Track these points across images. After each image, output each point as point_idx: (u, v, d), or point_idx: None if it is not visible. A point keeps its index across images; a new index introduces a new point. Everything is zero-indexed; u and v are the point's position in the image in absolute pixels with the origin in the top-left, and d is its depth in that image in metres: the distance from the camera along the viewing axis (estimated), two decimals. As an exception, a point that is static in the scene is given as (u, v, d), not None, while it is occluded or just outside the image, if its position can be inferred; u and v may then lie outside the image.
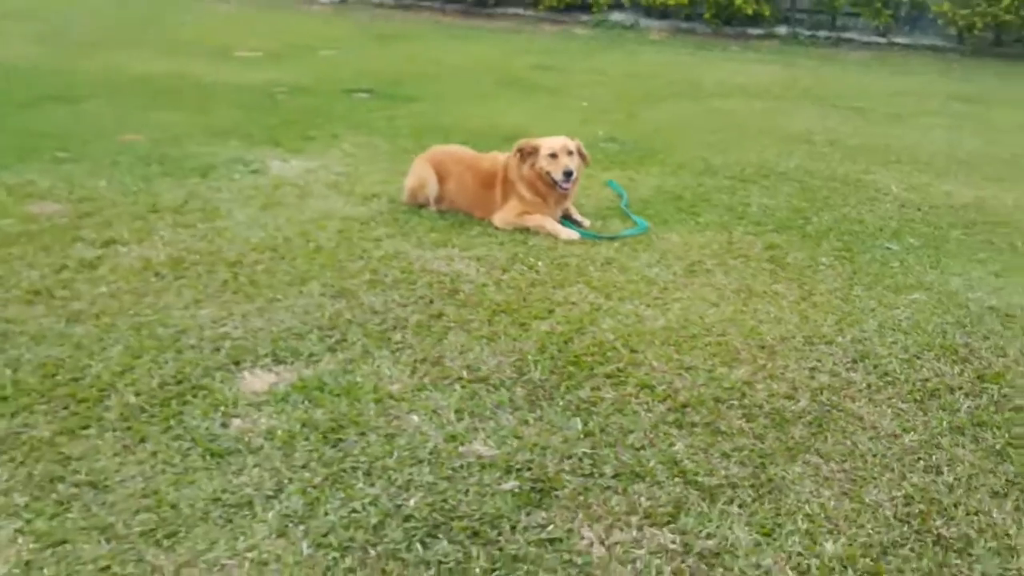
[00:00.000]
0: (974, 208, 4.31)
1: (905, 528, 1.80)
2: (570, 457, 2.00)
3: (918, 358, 2.59)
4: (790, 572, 1.65)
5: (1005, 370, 2.52)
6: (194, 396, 2.17)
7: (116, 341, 2.44)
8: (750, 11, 11.57)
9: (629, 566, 1.65)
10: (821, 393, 2.36)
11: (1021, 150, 5.80)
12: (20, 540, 1.64)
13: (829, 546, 1.72)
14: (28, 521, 1.69)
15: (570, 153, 3.53)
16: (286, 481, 1.85)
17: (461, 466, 1.93)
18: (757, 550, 1.71)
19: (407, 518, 1.75)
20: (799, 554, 1.70)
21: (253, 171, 4.32)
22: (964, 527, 1.80)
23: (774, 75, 8.89)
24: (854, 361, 2.56)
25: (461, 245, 3.40)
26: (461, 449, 2.00)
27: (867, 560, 1.69)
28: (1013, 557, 1.72)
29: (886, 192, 4.56)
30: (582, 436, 2.09)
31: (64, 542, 1.64)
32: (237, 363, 2.35)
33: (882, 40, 11.50)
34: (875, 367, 2.52)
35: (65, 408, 2.09)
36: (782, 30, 11.93)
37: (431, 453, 1.98)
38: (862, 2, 11.27)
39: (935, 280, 3.26)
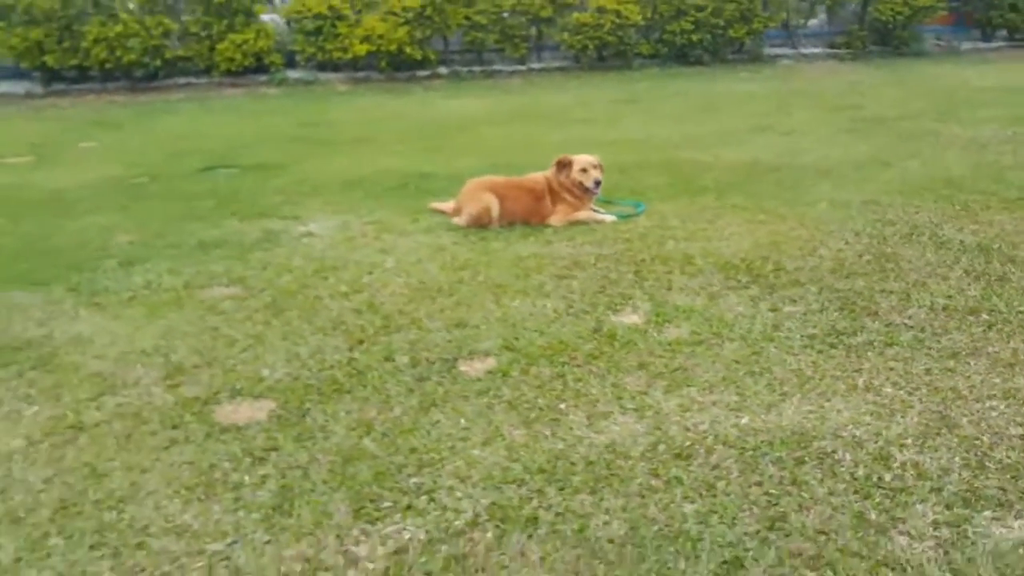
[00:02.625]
0: (763, 164, 6.76)
1: (969, 295, 3.84)
2: (855, 299, 3.68)
3: (872, 227, 4.73)
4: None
5: (914, 228, 4.77)
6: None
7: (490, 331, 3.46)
8: (419, 56, 13.56)
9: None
10: (868, 251, 4.34)
11: (724, 126, 8.60)
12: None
13: (941, 300, 3.67)
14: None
15: (595, 167, 5.07)
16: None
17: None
18: (944, 320, 3.61)
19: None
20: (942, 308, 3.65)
21: (308, 234, 5.01)
22: (1005, 265, 3.92)
23: (486, 106, 10.92)
24: (856, 234, 4.60)
25: (564, 239, 4.75)
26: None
27: (968, 304, 3.68)
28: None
29: (711, 162, 6.80)
30: (835, 296, 3.78)
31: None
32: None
33: (523, 67, 14.35)
34: (867, 237, 4.59)
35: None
36: (443, 70, 14.13)
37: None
38: (504, 40, 13.97)
39: (818, 196, 5.50)
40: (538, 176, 5.13)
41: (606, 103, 10.70)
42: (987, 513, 2.15)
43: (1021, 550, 2.00)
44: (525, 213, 5.03)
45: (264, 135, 8.79)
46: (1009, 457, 2.40)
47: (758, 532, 2.09)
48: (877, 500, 2.21)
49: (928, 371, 2.96)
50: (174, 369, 3.17)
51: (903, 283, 3.83)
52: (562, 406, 2.79)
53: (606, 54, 14.34)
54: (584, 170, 5.02)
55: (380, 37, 13.33)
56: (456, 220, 5.08)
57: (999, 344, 3.16)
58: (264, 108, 11.09)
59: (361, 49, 13.27)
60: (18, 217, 5.62)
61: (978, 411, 2.66)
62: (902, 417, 2.64)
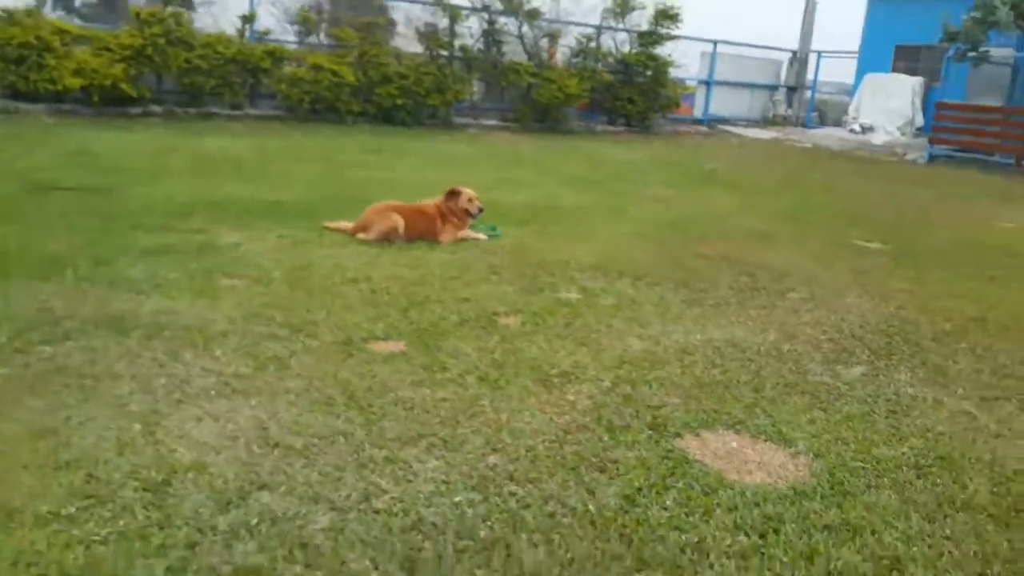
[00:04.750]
0: (540, 206, 8.87)
1: (757, 280, 6.26)
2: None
3: (655, 246, 7.03)
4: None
5: (682, 249, 7.18)
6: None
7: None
8: (134, 94, 13.76)
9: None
10: (665, 259, 6.58)
11: (477, 178, 10.59)
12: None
13: (742, 279, 6.07)
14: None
15: (476, 199, 6.70)
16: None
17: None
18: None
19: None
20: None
21: (238, 244, 5.88)
22: (752, 268, 6.39)
23: (251, 145, 11.70)
24: (649, 251, 6.84)
25: (461, 251, 6.29)
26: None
27: (757, 285, 6.11)
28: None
29: (502, 202, 8.73)
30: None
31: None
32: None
33: (239, 112, 15.16)
34: (664, 254, 6.85)
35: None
36: (157, 108, 14.40)
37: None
38: (223, 85, 14.70)
39: (599, 228, 7.71)
40: (429, 202, 6.61)
41: (357, 151, 12.10)
42: (885, 362, 4.29)
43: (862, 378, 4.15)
44: (422, 231, 6.46)
45: (45, 163, 8.76)
46: (872, 337, 4.61)
47: (791, 373, 3.97)
48: (830, 353, 4.25)
49: (766, 305, 5.13)
50: (290, 329, 4.16)
51: (705, 275, 6.06)
52: (615, 325, 4.43)
53: (319, 108, 15.64)
54: (470, 199, 6.63)
55: (94, 71, 13.26)
56: (363, 235, 6.32)
57: (803, 292, 5.48)
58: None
59: (74, 82, 13.08)
60: None
61: (838, 319, 4.88)
62: (772, 331, 4.75)
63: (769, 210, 9.59)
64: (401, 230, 6.31)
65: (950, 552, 2.46)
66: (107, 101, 13.60)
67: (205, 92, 14.59)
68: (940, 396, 3.81)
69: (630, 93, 19.70)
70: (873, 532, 2.57)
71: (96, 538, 2.27)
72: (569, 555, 2.38)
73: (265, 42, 15.42)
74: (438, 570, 2.27)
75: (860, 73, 22.79)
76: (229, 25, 15.59)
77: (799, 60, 23.87)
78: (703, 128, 22.42)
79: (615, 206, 9.12)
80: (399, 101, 16.18)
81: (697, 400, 3.61)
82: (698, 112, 22.85)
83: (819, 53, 24.19)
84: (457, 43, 17.37)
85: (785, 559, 2.41)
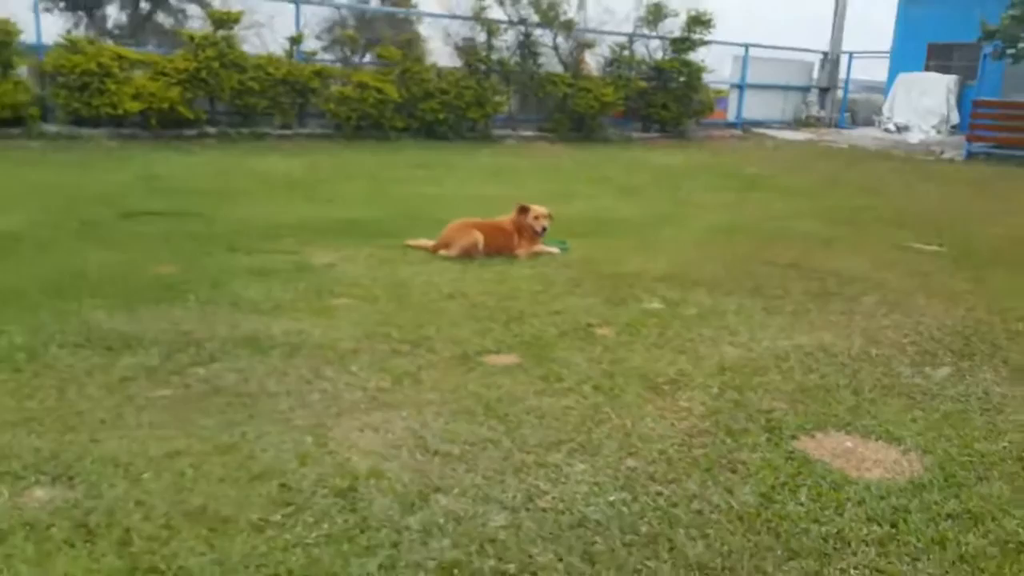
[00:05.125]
0: (601, 218, 9.16)
1: (827, 284, 6.50)
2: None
3: (718, 254, 7.28)
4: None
5: (751, 253, 7.42)
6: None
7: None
8: (191, 116, 14.21)
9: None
10: (733, 268, 6.82)
11: (533, 190, 10.90)
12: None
13: (812, 286, 6.30)
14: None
15: (546, 216, 6.98)
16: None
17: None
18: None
19: (776, 305, 5.63)
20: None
21: (332, 265, 6.22)
22: (822, 273, 6.62)
23: (305, 164, 12.15)
24: (712, 260, 7.09)
25: (539, 265, 6.58)
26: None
27: (833, 288, 6.34)
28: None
29: (563, 214, 9.01)
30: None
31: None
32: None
33: (289, 131, 15.57)
34: (726, 260, 7.10)
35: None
36: (212, 130, 14.85)
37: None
38: (273, 106, 15.12)
39: (664, 237, 7.97)
40: (505, 219, 6.91)
41: (405, 167, 12.48)
42: (968, 363, 4.51)
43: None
44: (499, 247, 6.76)
45: (118, 187, 9.18)
46: (950, 339, 4.83)
47: (884, 376, 4.21)
48: (915, 356, 4.49)
49: (844, 311, 5.37)
50: (410, 345, 4.46)
51: (777, 283, 6.29)
52: (706, 334, 4.69)
53: (364, 125, 16.03)
54: (536, 217, 6.91)
55: (152, 95, 13.73)
56: (445, 252, 6.63)
57: (875, 296, 5.71)
58: (67, 161, 11.08)
59: (133, 106, 13.55)
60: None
61: (914, 323, 5.11)
62: (890, 332, 4.99)
63: (818, 213, 9.81)
64: (481, 246, 6.61)
65: (1073, 537, 2.71)
66: (164, 124, 14.08)
67: (257, 113, 15.03)
68: (1029, 394, 4.03)
69: (664, 99, 19.94)
70: (994, 519, 2.82)
71: (308, 541, 2.57)
72: (726, 547, 2.64)
73: (312, 62, 15.83)
74: (614, 561, 2.55)
75: (892, 72, 22.86)
76: (276, 46, 16.02)
77: (831, 61, 23.96)
78: (737, 132, 22.60)
79: (667, 214, 9.38)
80: (441, 116, 16.56)
81: (803, 404, 3.86)
82: (731, 116, 23.01)
83: (850, 54, 24.28)
84: (494, 56, 17.69)
85: (919, 544, 2.66)
